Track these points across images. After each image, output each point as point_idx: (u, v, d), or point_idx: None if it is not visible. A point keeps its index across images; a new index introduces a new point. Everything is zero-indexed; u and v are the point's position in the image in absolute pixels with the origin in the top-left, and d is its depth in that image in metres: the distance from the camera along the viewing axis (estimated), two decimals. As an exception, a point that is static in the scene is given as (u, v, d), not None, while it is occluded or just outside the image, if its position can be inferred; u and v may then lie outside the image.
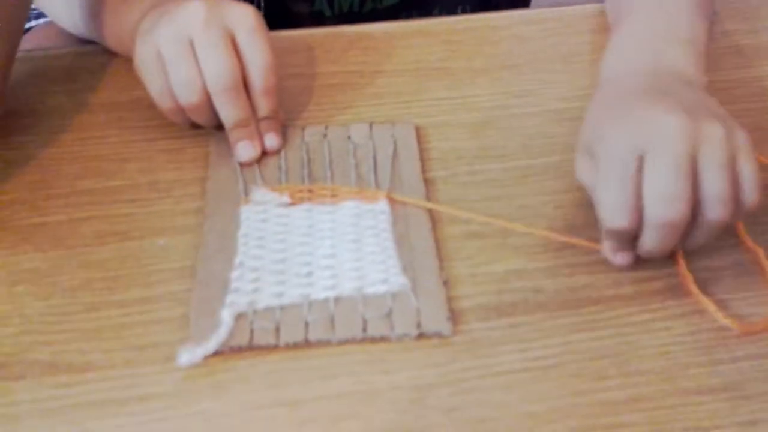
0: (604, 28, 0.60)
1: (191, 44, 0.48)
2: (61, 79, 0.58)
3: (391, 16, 0.72)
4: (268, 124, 0.51)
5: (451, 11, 0.74)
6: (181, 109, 0.50)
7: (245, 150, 0.50)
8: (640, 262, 0.43)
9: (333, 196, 0.48)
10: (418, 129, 0.53)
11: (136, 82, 0.55)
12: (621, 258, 0.43)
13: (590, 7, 0.64)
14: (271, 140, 0.51)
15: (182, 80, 0.48)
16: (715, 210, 0.40)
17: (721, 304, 0.42)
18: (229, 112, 0.49)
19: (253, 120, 0.51)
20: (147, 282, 0.44)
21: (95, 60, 0.60)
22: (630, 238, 0.42)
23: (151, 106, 0.54)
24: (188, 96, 0.49)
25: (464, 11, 0.74)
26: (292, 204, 0.48)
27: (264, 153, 0.51)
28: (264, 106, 0.51)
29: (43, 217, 0.47)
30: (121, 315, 0.42)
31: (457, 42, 0.61)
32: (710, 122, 0.40)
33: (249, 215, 0.47)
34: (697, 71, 0.48)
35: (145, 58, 0.50)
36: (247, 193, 0.48)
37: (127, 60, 0.59)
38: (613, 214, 0.41)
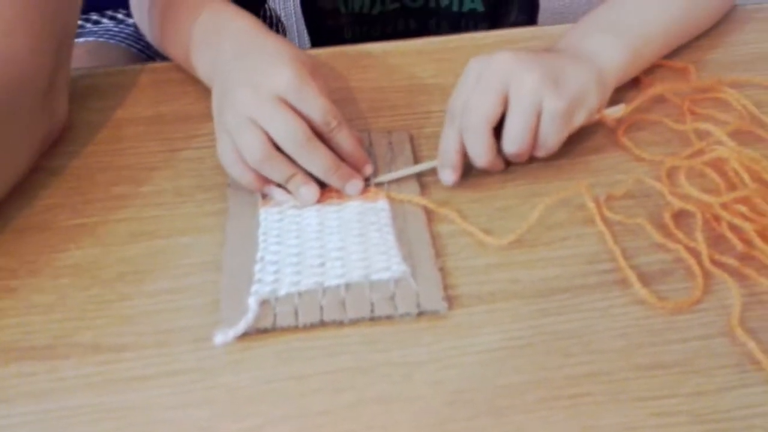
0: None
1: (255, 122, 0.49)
2: (91, 97, 0.61)
3: (392, 19, 0.77)
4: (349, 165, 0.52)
5: (455, 23, 0.77)
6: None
7: (354, 187, 0.51)
8: (603, 257, 0.47)
9: (339, 197, 0.51)
10: (411, 137, 0.56)
11: (159, 98, 0.58)
12: (454, 176, 0.52)
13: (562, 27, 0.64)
14: (352, 188, 0.52)
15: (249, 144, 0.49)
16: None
17: (661, 293, 0.45)
18: (312, 162, 0.50)
19: (339, 162, 0.51)
20: (173, 275, 0.47)
21: (121, 79, 0.63)
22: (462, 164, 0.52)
23: (173, 120, 0.57)
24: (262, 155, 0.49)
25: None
26: (304, 205, 0.51)
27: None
28: (342, 142, 0.51)
29: (83, 219, 0.51)
30: (151, 303, 0.46)
31: (447, 60, 0.63)
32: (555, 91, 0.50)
33: (267, 215, 0.50)
34: (612, 63, 0.55)
35: (224, 149, 0.51)
36: (264, 196, 0.52)
37: (150, 78, 0.62)
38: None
